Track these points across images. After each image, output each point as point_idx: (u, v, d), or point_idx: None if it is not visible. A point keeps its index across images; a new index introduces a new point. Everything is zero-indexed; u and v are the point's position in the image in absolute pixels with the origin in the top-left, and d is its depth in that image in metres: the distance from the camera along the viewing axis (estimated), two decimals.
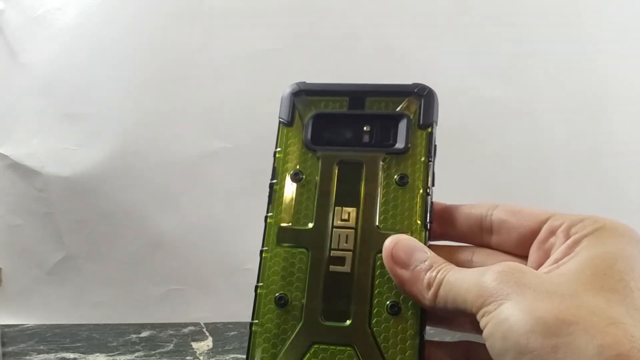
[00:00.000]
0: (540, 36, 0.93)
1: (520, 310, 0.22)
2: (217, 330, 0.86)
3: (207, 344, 0.83)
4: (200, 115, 0.90)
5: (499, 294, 0.23)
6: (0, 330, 0.85)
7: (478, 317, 0.24)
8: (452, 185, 0.97)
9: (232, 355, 0.78)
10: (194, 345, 0.83)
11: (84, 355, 0.80)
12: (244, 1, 0.89)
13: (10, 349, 0.81)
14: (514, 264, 0.25)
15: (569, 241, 0.25)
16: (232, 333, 0.85)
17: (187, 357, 0.79)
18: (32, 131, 0.89)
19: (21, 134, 0.90)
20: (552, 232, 0.26)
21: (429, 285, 0.26)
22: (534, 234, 0.27)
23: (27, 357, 0.79)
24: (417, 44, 0.89)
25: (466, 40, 0.92)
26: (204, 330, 0.87)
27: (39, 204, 0.90)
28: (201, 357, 0.79)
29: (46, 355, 0.80)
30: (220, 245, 0.92)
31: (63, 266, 0.91)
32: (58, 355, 0.80)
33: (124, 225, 0.91)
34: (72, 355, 0.80)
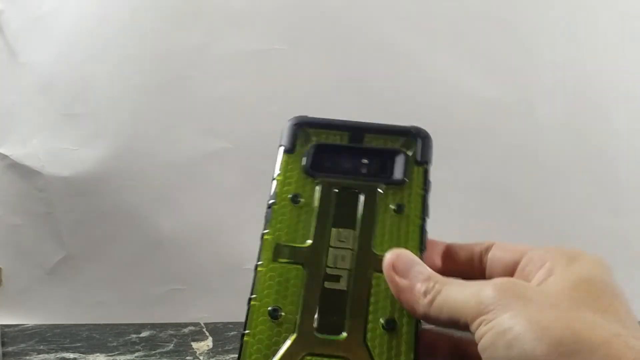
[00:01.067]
0: (539, 35, 0.93)
1: (525, 320, 0.23)
2: (217, 330, 0.86)
3: (207, 344, 0.83)
4: (200, 115, 0.90)
5: (499, 304, 0.24)
6: (0, 330, 0.85)
7: (474, 326, 0.25)
8: (452, 185, 0.97)
9: (232, 355, 0.78)
10: (194, 345, 0.83)
11: (84, 355, 0.80)
12: (244, 1, 0.89)
13: (10, 349, 0.81)
14: (513, 279, 0.26)
15: (547, 264, 0.27)
16: (232, 333, 0.85)
17: (187, 357, 0.79)
18: (32, 131, 0.89)
19: (21, 134, 0.90)
20: (531, 261, 0.28)
21: (426, 293, 0.27)
22: (515, 264, 0.29)
23: (27, 357, 0.79)
24: (417, 44, 0.89)
25: (466, 40, 0.91)
26: (204, 330, 0.87)
27: (39, 204, 0.90)
28: (201, 357, 0.79)
29: (46, 355, 0.80)
30: (220, 245, 0.92)
31: (63, 266, 0.91)
32: (58, 355, 0.80)
33: (124, 225, 0.91)
34: (72, 355, 0.80)
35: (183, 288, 0.93)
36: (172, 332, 0.87)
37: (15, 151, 0.89)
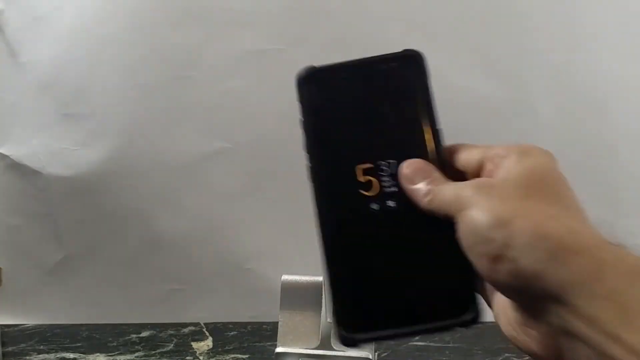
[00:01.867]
0: (540, 35, 0.93)
1: (483, 211, 0.29)
2: (217, 330, 0.86)
3: (207, 344, 0.83)
4: (200, 115, 0.90)
5: (471, 202, 0.30)
6: (0, 330, 0.85)
7: (457, 219, 0.30)
8: None
9: (232, 355, 0.78)
10: (194, 345, 0.83)
11: (84, 355, 0.80)
12: (244, 1, 0.89)
13: (10, 349, 0.81)
14: (484, 179, 0.32)
15: (505, 162, 0.32)
16: (232, 333, 0.85)
17: (187, 357, 0.79)
18: (32, 131, 0.89)
19: (21, 134, 0.90)
20: (491, 159, 0.33)
21: (426, 194, 0.32)
22: (481, 163, 0.34)
23: (27, 357, 0.79)
24: (417, 44, 0.89)
25: (466, 40, 0.91)
26: (204, 330, 0.87)
27: (39, 204, 0.90)
28: (201, 357, 0.79)
29: (46, 355, 0.80)
30: (220, 245, 0.92)
31: (63, 266, 0.91)
32: (58, 355, 0.80)
33: (124, 225, 0.91)
34: (72, 355, 0.80)
35: (183, 288, 0.93)
36: (172, 332, 0.87)
37: (15, 151, 0.89)
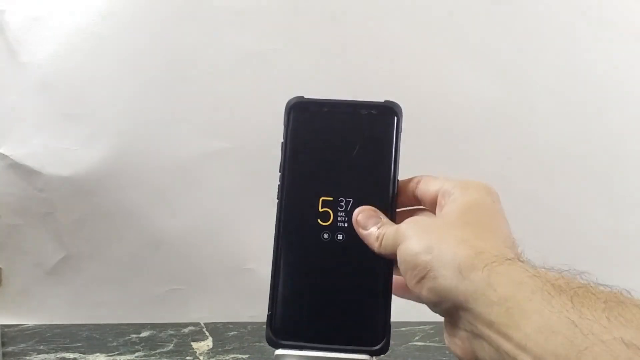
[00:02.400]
0: (540, 35, 0.93)
1: (415, 242, 0.35)
2: (217, 330, 0.86)
3: (207, 344, 0.83)
4: (200, 115, 0.90)
5: (406, 235, 0.36)
6: (0, 330, 0.85)
7: (397, 253, 0.36)
8: None
9: (232, 355, 0.78)
10: (194, 345, 0.83)
11: (84, 355, 0.80)
12: (243, 1, 0.89)
13: (10, 349, 0.81)
14: (419, 217, 0.40)
15: (452, 196, 0.38)
16: (232, 333, 0.85)
17: (187, 357, 0.79)
18: (32, 131, 0.89)
19: (21, 134, 0.90)
20: (443, 193, 0.39)
21: (377, 238, 0.38)
22: (436, 194, 0.40)
23: (27, 357, 0.79)
24: (417, 44, 0.89)
25: (466, 40, 0.91)
26: (204, 330, 0.87)
27: (39, 204, 0.90)
28: (201, 357, 0.79)
29: (46, 355, 0.80)
30: (220, 245, 0.92)
31: (63, 266, 0.91)
32: (58, 355, 0.80)
33: (124, 225, 0.91)
34: (72, 355, 0.80)
35: (183, 288, 0.93)
36: (172, 332, 0.87)
37: (15, 151, 0.89)
